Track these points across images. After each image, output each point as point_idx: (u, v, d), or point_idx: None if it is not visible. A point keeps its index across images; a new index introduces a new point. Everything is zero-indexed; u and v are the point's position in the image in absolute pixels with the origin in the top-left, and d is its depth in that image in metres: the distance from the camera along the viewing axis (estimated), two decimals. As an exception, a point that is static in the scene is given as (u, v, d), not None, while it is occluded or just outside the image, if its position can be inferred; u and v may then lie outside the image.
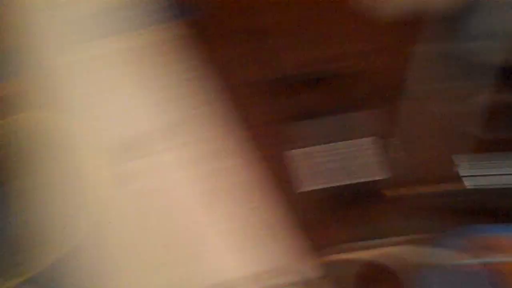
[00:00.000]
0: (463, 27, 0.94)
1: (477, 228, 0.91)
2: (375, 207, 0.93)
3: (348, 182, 0.94)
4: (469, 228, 0.90)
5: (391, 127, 0.93)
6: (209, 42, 0.95)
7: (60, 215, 0.90)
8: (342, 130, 0.95)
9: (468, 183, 0.93)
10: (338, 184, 0.93)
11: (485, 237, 0.90)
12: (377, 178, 0.93)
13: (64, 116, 0.93)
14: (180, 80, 0.94)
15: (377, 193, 0.93)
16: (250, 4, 0.97)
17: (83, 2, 0.96)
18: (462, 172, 0.93)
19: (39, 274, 0.88)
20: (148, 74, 0.94)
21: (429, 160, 0.93)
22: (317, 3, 0.97)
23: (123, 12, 0.95)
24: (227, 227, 0.90)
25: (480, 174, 0.93)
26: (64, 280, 0.88)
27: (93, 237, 0.89)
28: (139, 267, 0.89)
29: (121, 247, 0.89)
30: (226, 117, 0.93)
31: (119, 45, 0.94)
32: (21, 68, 0.95)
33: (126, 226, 0.89)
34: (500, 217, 0.91)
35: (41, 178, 0.91)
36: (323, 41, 0.96)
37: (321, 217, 0.93)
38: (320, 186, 0.94)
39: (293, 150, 0.94)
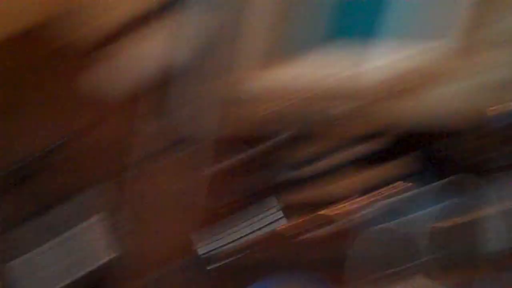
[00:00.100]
0: (172, 101, 0.95)
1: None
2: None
3: (81, 275, 0.91)
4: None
5: (119, 203, 0.92)
6: None
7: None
8: (67, 219, 0.93)
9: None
10: (71, 280, 0.90)
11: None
12: (108, 259, 0.92)
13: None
14: None
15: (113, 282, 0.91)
16: None
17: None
18: (200, 251, 0.96)
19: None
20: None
21: (160, 235, 0.95)
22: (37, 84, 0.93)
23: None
24: None
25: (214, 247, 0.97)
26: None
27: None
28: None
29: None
30: None
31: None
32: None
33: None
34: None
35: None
36: (36, 127, 0.92)
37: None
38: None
39: (11, 262, 0.90)
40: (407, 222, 0.98)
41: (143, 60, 0.93)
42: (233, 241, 0.97)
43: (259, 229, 0.97)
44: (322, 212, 0.98)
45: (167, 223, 0.96)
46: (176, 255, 0.95)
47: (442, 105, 0.95)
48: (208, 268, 0.96)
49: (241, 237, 0.97)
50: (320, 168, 1.00)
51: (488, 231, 0.97)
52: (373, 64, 0.90)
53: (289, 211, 0.99)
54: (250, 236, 0.97)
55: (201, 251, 0.96)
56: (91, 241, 0.90)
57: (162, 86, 0.94)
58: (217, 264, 0.96)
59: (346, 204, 0.98)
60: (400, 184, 0.98)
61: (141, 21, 0.91)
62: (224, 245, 0.97)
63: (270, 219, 0.98)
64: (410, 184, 0.98)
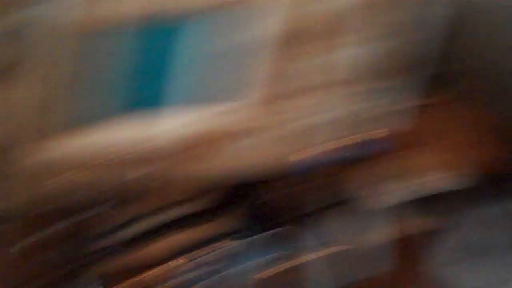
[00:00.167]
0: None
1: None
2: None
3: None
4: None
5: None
6: None
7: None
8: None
9: None
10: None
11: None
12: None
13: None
14: None
15: None
16: None
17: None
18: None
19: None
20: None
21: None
22: None
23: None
24: None
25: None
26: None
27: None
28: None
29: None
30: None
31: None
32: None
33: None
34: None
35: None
36: None
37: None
38: None
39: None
40: (229, 276, 0.98)
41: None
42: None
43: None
44: (141, 276, 0.96)
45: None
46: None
47: (245, 159, 0.95)
48: None
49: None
50: (137, 231, 0.98)
51: (311, 277, 0.98)
52: (166, 128, 0.90)
53: (109, 279, 0.96)
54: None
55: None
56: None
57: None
58: None
59: (166, 266, 0.97)
60: (222, 242, 0.98)
61: None
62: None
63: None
64: (232, 240, 0.98)
